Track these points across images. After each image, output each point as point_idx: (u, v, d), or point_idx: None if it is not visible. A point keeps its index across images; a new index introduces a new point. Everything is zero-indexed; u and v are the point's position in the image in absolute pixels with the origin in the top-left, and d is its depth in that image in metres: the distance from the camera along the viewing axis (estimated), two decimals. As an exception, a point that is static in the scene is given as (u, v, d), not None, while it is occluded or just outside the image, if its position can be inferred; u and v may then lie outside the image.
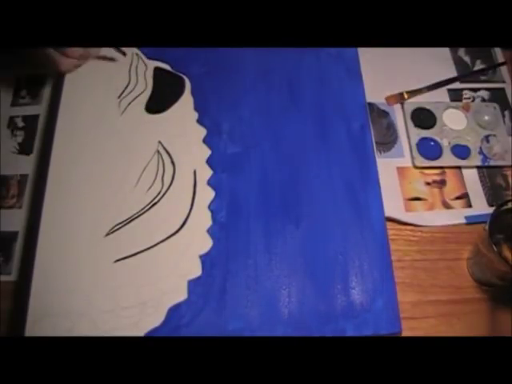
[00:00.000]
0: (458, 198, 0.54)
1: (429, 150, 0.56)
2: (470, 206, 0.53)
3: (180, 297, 0.46)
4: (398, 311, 0.46)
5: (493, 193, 0.54)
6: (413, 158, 0.55)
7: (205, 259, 0.48)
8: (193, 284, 0.47)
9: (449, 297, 0.49)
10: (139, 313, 0.45)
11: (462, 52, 0.63)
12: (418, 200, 0.54)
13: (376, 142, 0.56)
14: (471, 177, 0.55)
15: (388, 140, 0.57)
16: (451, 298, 0.49)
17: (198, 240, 0.48)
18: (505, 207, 0.45)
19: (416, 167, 0.55)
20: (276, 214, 0.50)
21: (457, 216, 0.53)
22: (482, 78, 0.61)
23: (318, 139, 0.54)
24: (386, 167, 0.55)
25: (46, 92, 0.60)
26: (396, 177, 0.55)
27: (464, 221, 0.52)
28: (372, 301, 0.46)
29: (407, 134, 0.57)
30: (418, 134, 0.56)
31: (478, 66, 0.62)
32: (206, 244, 0.48)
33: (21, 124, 0.58)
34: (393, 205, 0.53)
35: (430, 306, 0.49)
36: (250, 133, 0.54)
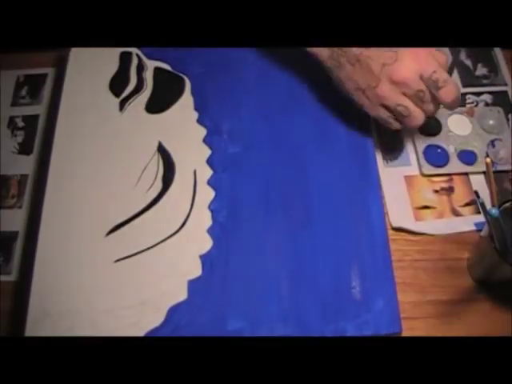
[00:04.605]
0: (467, 204, 0.53)
1: (436, 157, 0.55)
2: (479, 212, 0.52)
3: (180, 297, 0.46)
4: (398, 311, 0.46)
5: (501, 198, 0.53)
6: (420, 165, 0.55)
7: (205, 259, 0.48)
8: (193, 284, 0.47)
9: (449, 297, 0.49)
10: (139, 313, 0.45)
11: (463, 56, 0.63)
12: (426, 208, 0.53)
13: (382, 151, 0.56)
14: (479, 182, 0.54)
15: (394, 148, 0.56)
16: (451, 298, 0.49)
17: (198, 240, 0.48)
18: (504, 207, 0.45)
19: (424, 175, 0.54)
20: (276, 213, 0.50)
21: (467, 223, 0.52)
22: (484, 81, 0.61)
23: (319, 139, 0.54)
24: (394, 176, 0.54)
25: (46, 92, 0.60)
26: (404, 186, 0.54)
27: (474, 228, 0.52)
28: (372, 301, 0.46)
29: (413, 142, 0.56)
30: (423, 141, 0.56)
31: (480, 69, 0.62)
32: (206, 244, 0.48)
33: (21, 124, 0.58)
34: (402, 215, 0.52)
35: (430, 305, 0.48)
36: (250, 133, 0.54)
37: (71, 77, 0.56)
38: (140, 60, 0.58)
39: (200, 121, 0.55)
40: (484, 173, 0.54)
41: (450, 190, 0.54)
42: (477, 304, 0.49)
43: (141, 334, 0.44)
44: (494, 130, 0.57)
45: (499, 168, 0.54)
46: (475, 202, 0.52)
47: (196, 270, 0.47)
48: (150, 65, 0.58)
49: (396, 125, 0.50)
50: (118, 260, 0.48)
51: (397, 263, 0.49)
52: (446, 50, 0.62)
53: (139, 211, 0.50)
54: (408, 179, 0.55)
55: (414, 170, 0.55)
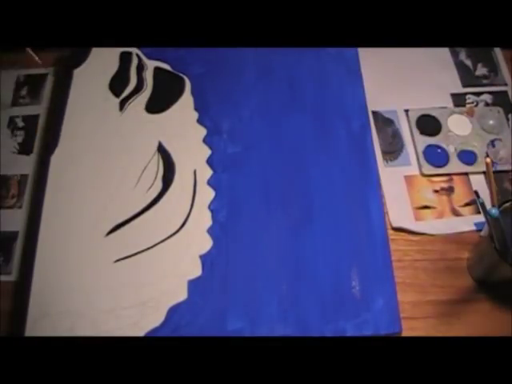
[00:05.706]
0: (466, 204, 0.53)
1: (435, 157, 0.55)
2: (479, 212, 0.52)
3: (180, 297, 0.46)
4: (398, 311, 0.46)
5: (501, 198, 0.53)
6: (420, 165, 0.55)
7: (205, 259, 0.48)
8: (193, 284, 0.47)
9: (449, 297, 0.49)
10: (139, 313, 0.45)
11: (463, 56, 0.63)
12: (426, 208, 0.53)
13: (382, 151, 0.56)
14: (478, 182, 0.54)
15: (394, 148, 0.56)
16: (451, 298, 0.49)
17: (198, 240, 0.48)
18: (504, 207, 0.45)
19: (424, 175, 0.54)
20: (276, 213, 0.50)
21: (466, 223, 0.52)
22: (484, 81, 0.61)
23: (318, 139, 0.54)
24: (394, 176, 0.54)
25: (46, 92, 0.60)
26: (404, 186, 0.54)
27: (474, 228, 0.52)
28: (372, 301, 0.46)
29: (413, 142, 0.56)
30: (423, 141, 0.56)
31: (480, 69, 0.62)
32: (206, 244, 0.48)
33: (21, 124, 0.58)
34: (402, 215, 0.52)
35: (429, 305, 0.48)
36: (250, 133, 0.54)
37: (74, 77, 0.57)
38: (140, 60, 0.58)
39: (200, 121, 0.55)
40: (484, 173, 0.54)
41: (449, 190, 0.54)
42: (477, 304, 0.49)
43: (141, 334, 0.44)
44: (493, 130, 0.57)
45: (499, 168, 0.54)
46: (475, 202, 0.52)
47: (196, 270, 0.47)
48: (150, 65, 0.58)
49: None
50: (117, 260, 0.48)
51: (397, 263, 0.49)
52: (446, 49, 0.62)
53: (139, 211, 0.50)
54: (408, 179, 0.55)
55: (414, 170, 0.55)
